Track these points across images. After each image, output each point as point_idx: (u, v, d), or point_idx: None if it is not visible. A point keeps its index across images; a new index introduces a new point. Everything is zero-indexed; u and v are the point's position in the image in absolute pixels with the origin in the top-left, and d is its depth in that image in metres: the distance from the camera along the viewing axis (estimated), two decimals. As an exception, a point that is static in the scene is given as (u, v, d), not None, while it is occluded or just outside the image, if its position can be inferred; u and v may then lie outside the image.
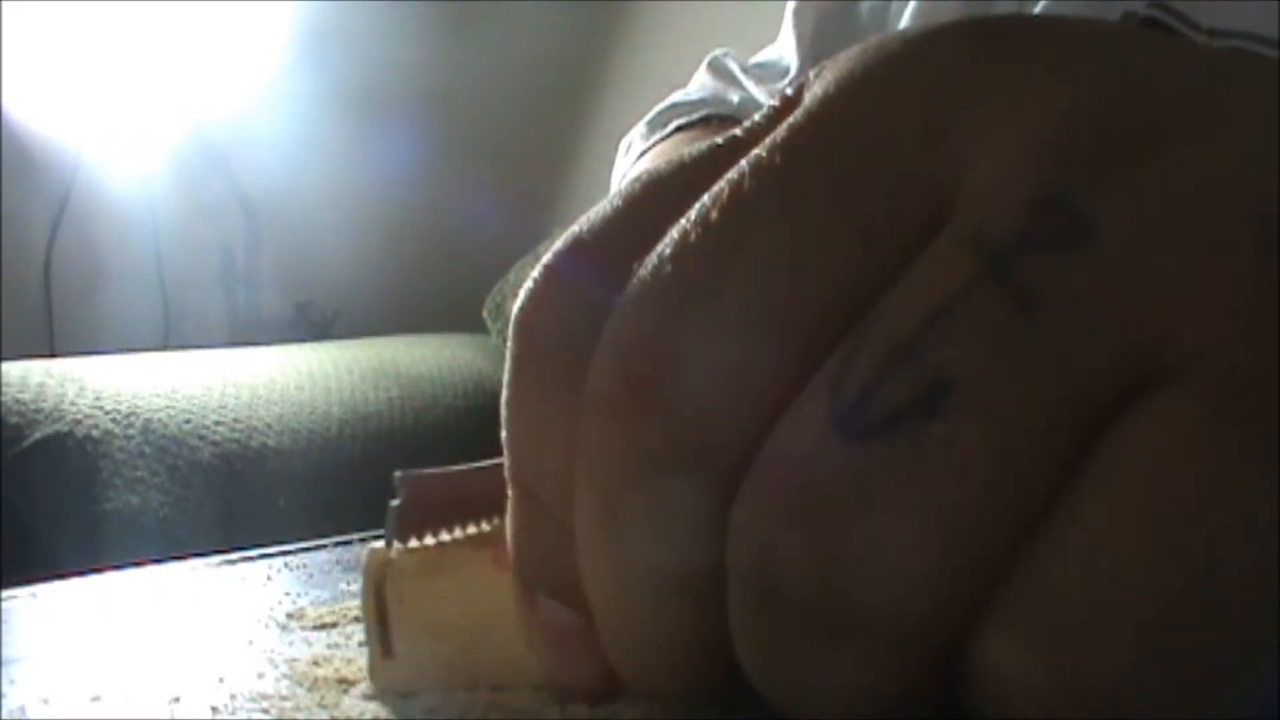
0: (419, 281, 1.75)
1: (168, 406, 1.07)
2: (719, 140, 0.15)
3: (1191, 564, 0.11)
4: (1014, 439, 0.12)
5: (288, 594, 0.36)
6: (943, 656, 0.13)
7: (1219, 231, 0.12)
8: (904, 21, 0.46)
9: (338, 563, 0.42)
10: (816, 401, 0.13)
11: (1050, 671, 0.12)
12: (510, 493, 0.18)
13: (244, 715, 0.24)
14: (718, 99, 0.54)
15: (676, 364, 0.14)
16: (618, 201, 0.15)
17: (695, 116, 0.53)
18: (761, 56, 0.56)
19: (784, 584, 0.13)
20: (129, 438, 1.02)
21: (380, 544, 0.21)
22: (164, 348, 1.45)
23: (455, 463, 0.22)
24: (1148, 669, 0.12)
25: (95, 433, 1.01)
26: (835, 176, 0.13)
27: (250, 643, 0.30)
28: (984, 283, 0.12)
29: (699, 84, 0.56)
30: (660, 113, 0.55)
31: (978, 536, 0.12)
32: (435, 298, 1.72)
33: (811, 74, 0.15)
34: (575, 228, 0.15)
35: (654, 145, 0.53)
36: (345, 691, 0.25)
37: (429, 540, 0.21)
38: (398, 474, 0.21)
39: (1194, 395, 0.12)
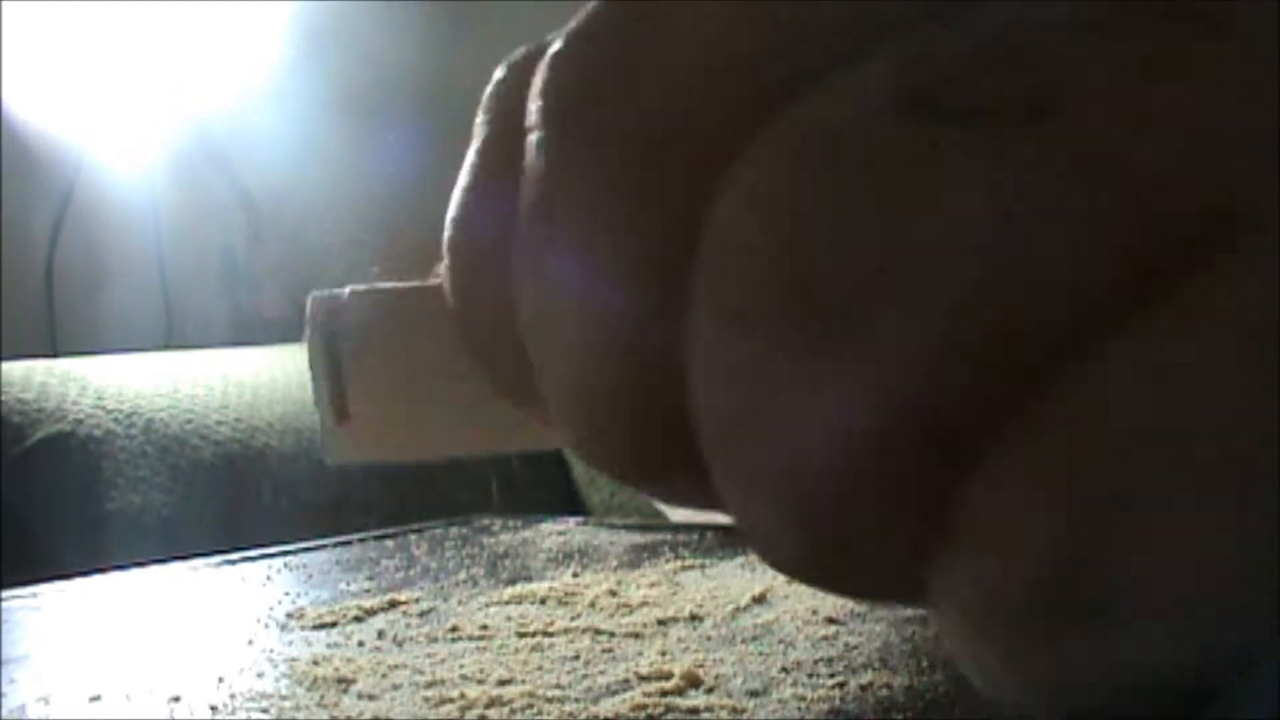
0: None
1: (170, 406, 1.07)
2: None
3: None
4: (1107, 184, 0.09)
5: (288, 594, 0.37)
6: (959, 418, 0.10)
7: None
8: None
9: (338, 563, 0.42)
10: (879, 72, 0.10)
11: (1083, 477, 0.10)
12: (446, 261, 0.15)
13: (244, 715, 0.24)
14: None
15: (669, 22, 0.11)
16: None
17: None
18: None
19: (786, 270, 0.10)
20: (131, 437, 1.02)
21: (325, 291, 0.18)
22: (166, 347, 1.45)
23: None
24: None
25: (97, 432, 1.01)
26: None
27: (250, 642, 0.30)
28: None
29: None
30: None
31: (1051, 274, 0.10)
32: (436, 297, 1.72)
33: None
34: None
35: None
36: (345, 691, 0.25)
37: (380, 285, 0.18)
38: (312, 295, 0.18)
39: None
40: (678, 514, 0.64)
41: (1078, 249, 0.10)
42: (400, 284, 0.18)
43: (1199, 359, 0.09)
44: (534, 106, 0.13)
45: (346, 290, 0.18)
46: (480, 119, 0.15)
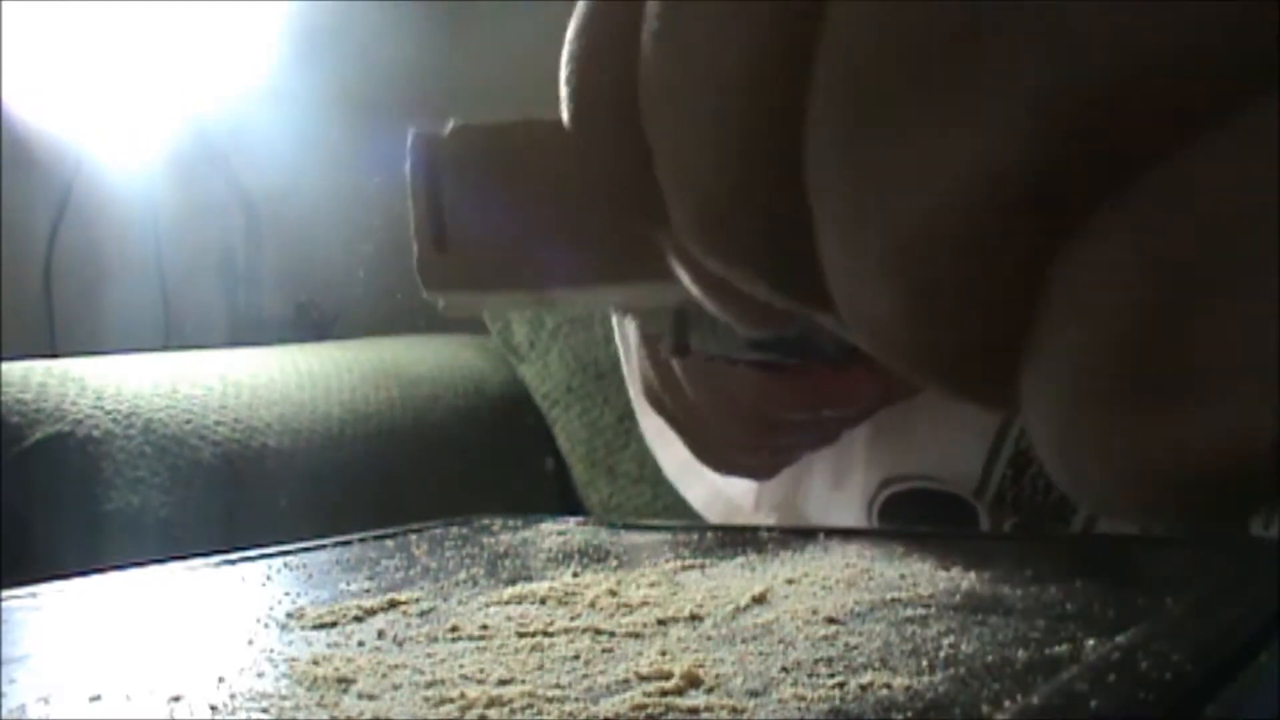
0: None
1: (169, 406, 1.07)
2: None
3: None
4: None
5: (288, 594, 0.37)
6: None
7: None
8: None
9: (337, 563, 0.42)
10: None
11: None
12: (567, 73, 0.15)
13: (244, 715, 0.24)
14: None
15: None
16: None
17: None
18: None
19: (906, 21, 0.11)
20: (130, 437, 1.02)
21: (421, 129, 0.18)
22: (165, 347, 1.45)
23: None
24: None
25: (96, 432, 1.01)
26: None
27: (250, 642, 0.30)
28: None
29: None
30: None
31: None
32: (436, 298, 1.72)
33: None
34: None
35: None
36: (345, 691, 0.25)
37: (479, 121, 0.18)
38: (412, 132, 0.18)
39: None
40: (698, 505, 0.63)
41: (1191, 37, 0.10)
42: (498, 121, 0.18)
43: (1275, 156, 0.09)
44: None
45: (449, 124, 0.18)
46: None
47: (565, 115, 0.15)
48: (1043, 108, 0.10)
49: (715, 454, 0.47)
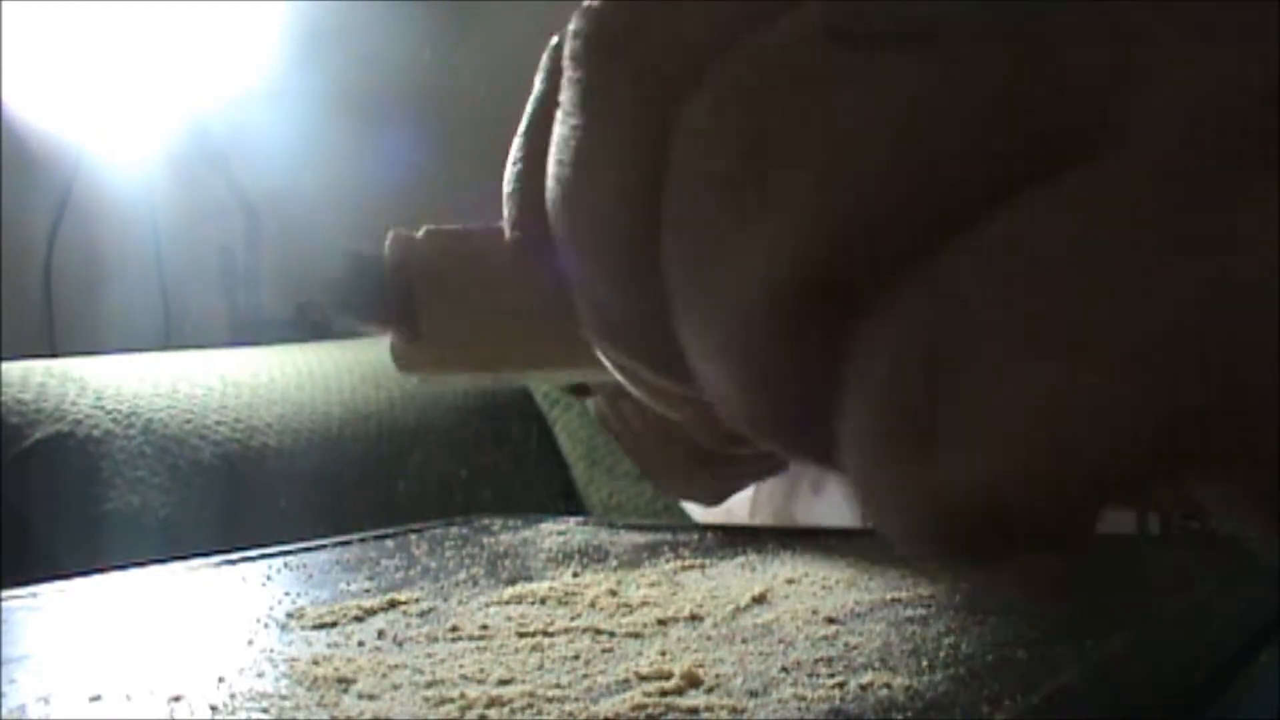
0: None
1: (168, 406, 1.07)
2: None
3: None
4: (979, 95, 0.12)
5: (288, 594, 0.37)
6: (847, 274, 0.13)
7: None
8: None
9: (338, 563, 0.42)
10: (806, 11, 0.13)
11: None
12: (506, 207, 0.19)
13: (244, 714, 0.24)
14: None
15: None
16: None
17: None
18: None
19: (733, 147, 0.13)
20: (130, 438, 1.02)
21: (398, 231, 0.21)
22: (164, 347, 1.44)
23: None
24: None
25: (96, 433, 1.01)
26: None
27: (250, 642, 0.30)
28: None
29: None
30: None
31: (932, 169, 0.12)
32: (436, 297, 1.72)
33: None
34: None
35: None
36: (345, 691, 0.25)
37: (450, 227, 0.21)
38: (390, 234, 0.21)
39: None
40: (698, 513, 0.64)
41: (950, 148, 0.12)
42: (468, 226, 0.21)
43: (1048, 246, 0.12)
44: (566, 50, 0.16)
45: (422, 230, 0.21)
46: (536, 79, 0.19)
47: (506, 230, 0.18)
48: (815, 216, 0.13)
49: (664, 480, 0.50)
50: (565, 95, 0.16)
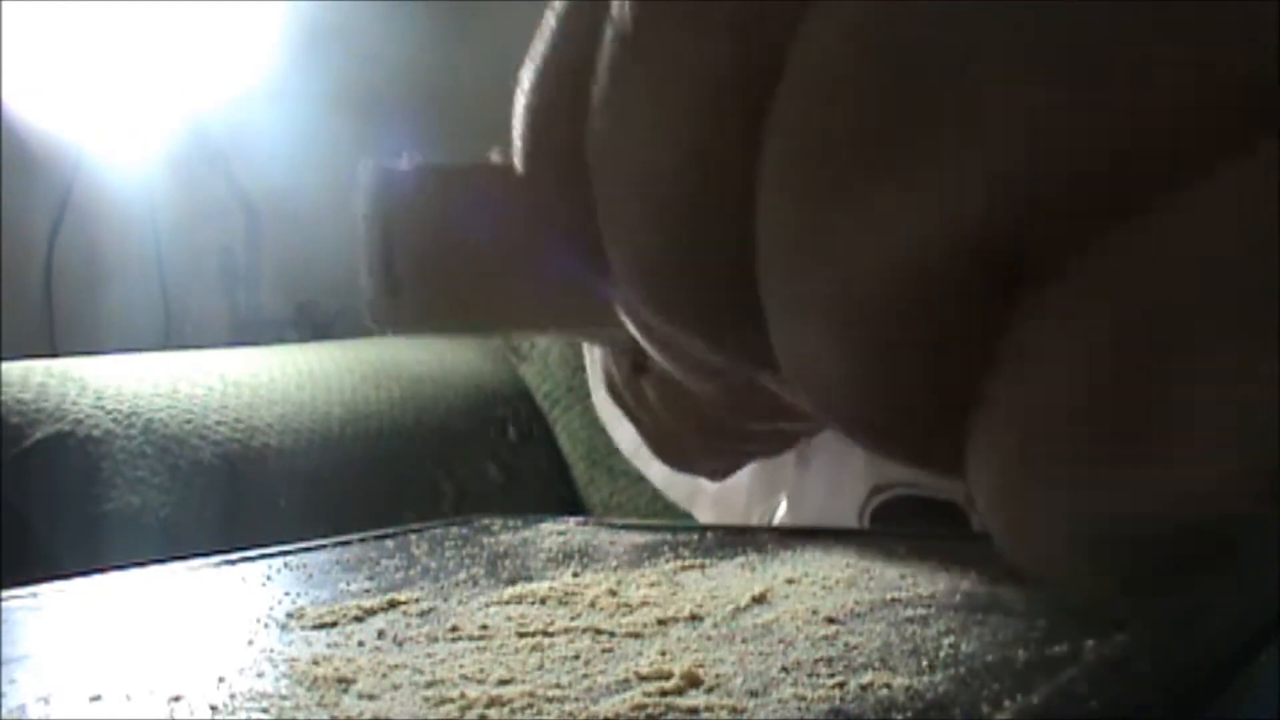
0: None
1: (169, 406, 1.07)
2: None
3: None
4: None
5: (288, 594, 0.37)
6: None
7: None
8: None
9: (338, 563, 0.42)
10: None
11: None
12: (518, 120, 0.15)
13: (244, 715, 0.24)
14: None
15: None
16: None
17: None
18: None
19: (873, 95, 0.11)
20: (130, 437, 1.02)
21: (379, 161, 0.18)
22: (165, 347, 1.45)
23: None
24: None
25: (96, 432, 1.01)
26: None
27: (250, 642, 0.30)
28: None
29: None
30: None
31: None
32: (436, 297, 1.72)
33: None
34: None
35: None
36: (345, 691, 0.25)
37: (433, 162, 0.18)
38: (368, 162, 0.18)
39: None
40: (651, 469, 0.64)
41: (1143, 111, 0.10)
42: (459, 161, 0.18)
43: (1243, 220, 0.10)
44: None
45: (403, 161, 0.18)
46: None
47: (517, 162, 0.15)
48: (1002, 183, 0.10)
49: (675, 454, 0.48)
50: (620, 2, 0.13)
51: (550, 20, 0.15)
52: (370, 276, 0.19)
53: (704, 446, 0.46)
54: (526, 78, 0.15)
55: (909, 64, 0.10)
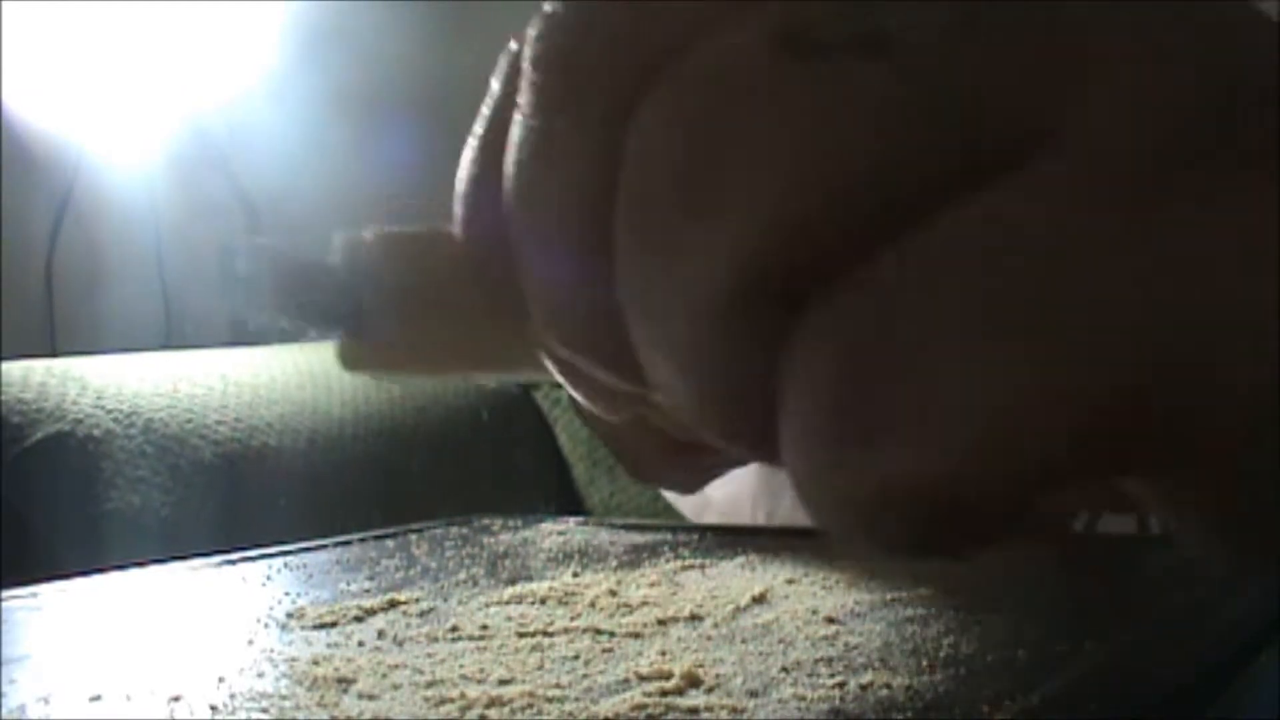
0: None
1: (169, 406, 1.07)
2: None
3: None
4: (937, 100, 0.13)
5: (288, 594, 0.37)
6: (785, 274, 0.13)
7: None
8: None
9: (338, 563, 0.42)
10: (760, 19, 0.14)
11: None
12: (458, 209, 0.19)
13: (244, 714, 0.24)
14: None
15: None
16: None
17: None
18: None
19: (681, 159, 0.14)
20: (130, 437, 1.02)
21: (347, 234, 0.22)
22: (165, 347, 1.45)
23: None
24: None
25: (97, 432, 1.01)
26: None
27: (250, 642, 0.30)
28: None
29: None
30: None
31: (880, 176, 0.13)
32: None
33: None
34: None
35: None
36: (345, 691, 0.25)
37: (396, 229, 0.22)
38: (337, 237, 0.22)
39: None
40: (683, 503, 0.64)
41: (888, 153, 0.13)
42: (415, 229, 0.21)
43: (987, 248, 0.12)
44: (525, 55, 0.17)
45: (369, 231, 0.21)
46: (491, 87, 0.19)
47: (455, 228, 0.19)
48: (763, 218, 0.13)
49: (642, 470, 0.51)
50: (524, 98, 0.16)
51: (483, 104, 0.19)
52: (340, 327, 0.22)
53: (665, 460, 0.47)
54: (464, 154, 0.18)
55: (700, 150, 0.14)
